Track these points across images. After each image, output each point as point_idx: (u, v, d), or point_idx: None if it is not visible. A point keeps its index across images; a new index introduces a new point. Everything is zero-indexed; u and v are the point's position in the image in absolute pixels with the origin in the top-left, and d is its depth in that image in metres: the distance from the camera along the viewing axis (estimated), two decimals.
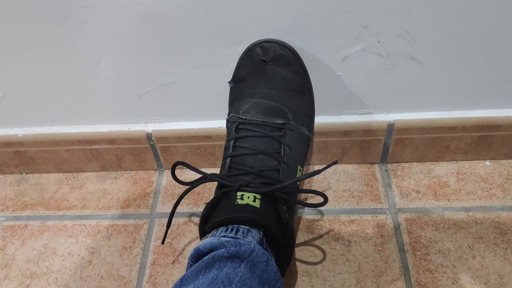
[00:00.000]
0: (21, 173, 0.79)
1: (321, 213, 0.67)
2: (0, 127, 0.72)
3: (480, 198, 0.66)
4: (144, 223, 0.69)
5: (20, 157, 0.75)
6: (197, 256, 0.49)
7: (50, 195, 0.75)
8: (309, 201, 0.63)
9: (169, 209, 0.69)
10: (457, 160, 0.71)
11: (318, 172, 0.54)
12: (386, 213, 0.66)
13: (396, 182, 0.70)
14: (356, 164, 0.73)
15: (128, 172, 0.76)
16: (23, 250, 0.67)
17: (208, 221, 0.54)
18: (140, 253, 0.65)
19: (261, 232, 0.51)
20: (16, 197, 0.75)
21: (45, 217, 0.71)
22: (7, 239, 0.69)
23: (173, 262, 0.64)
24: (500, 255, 0.60)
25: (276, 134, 0.56)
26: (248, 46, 0.58)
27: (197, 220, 0.68)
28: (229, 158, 0.56)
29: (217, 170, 0.60)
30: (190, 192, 0.59)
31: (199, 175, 0.57)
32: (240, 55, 0.59)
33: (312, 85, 0.61)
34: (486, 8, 0.54)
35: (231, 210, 0.51)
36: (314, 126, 0.65)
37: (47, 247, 0.67)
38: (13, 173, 0.79)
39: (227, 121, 0.60)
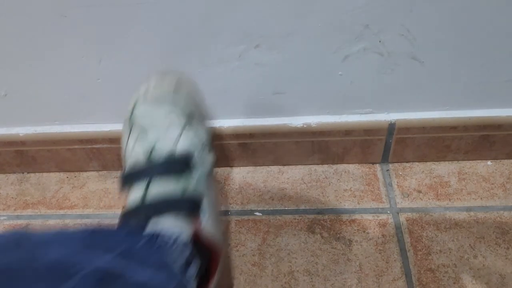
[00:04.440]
0: (23, 173, 0.79)
1: (322, 212, 0.67)
2: (1, 126, 0.73)
3: (481, 198, 0.66)
4: None
5: (22, 156, 0.75)
6: None
7: (52, 194, 0.75)
8: None
9: None
10: (458, 160, 0.71)
11: None
12: (387, 213, 0.66)
13: (397, 182, 0.70)
14: (357, 164, 0.73)
15: None
16: None
17: None
18: None
19: None
20: (17, 196, 0.75)
21: (47, 216, 0.71)
22: None
23: None
24: (501, 255, 0.60)
25: None
26: None
27: None
28: None
29: None
30: None
31: None
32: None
33: (314, 84, 0.61)
34: (488, 7, 0.54)
35: None
36: (316, 124, 0.66)
37: None
38: (15, 173, 0.79)
39: None
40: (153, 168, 0.48)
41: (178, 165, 0.49)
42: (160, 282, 0.38)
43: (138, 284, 0.35)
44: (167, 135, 0.50)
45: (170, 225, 0.46)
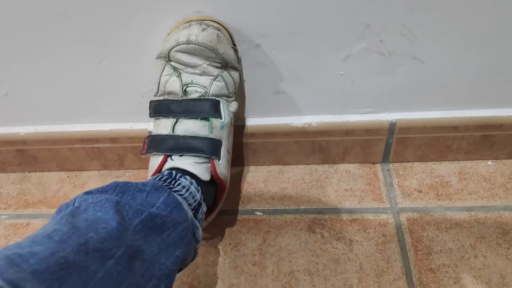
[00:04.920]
0: (24, 172, 0.79)
1: (323, 212, 0.67)
2: (2, 125, 0.73)
3: (482, 198, 0.66)
4: None
5: (23, 155, 0.75)
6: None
7: (52, 193, 0.75)
8: None
9: None
10: (459, 160, 0.71)
11: None
12: (388, 213, 0.66)
13: (398, 182, 0.70)
14: (358, 164, 0.73)
15: (130, 171, 0.77)
16: None
17: None
18: None
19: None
20: (18, 196, 0.75)
21: (47, 216, 0.71)
22: (9, 237, 0.69)
23: None
24: (502, 255, 0.60)
25: None
26: None
27: None
28: None
29: None
30: None
31: None
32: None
33: (315, 84, 0.61)
34: (488, 7, 0.54)
35: None
36: (316, 124, 0.66)
37: None
38: (16, 172, 0.79)
39: None
40: (185, 104, 0.55)
41: (207, 107, 0.56)
42: (176, 242, 0.47)
43: (154, 256, 0.44)
44: (201, 80, 0.56)
45: (190, 163, 0.55)
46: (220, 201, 0.61)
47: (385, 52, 0.59)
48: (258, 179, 0.72)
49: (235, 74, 0.58)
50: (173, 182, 0.52)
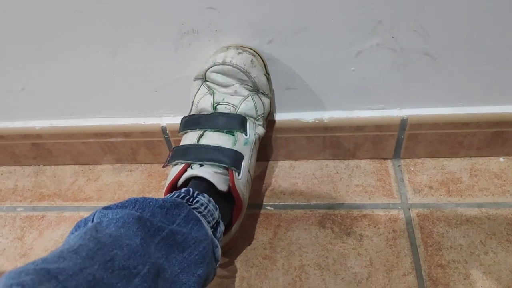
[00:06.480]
0: (39, 165, 0.80)
1: (333, 207, 0.67)
2: (18, 119, 0.74)
3: (493, 194, 0.66)
4: None
5: (38, 149, 0.77)
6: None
7: (67, 186, 0.76)
8: None
9: None
10: (470, 156, 0.71)
11: None
12: (399, 208, 0.66)
13: (408, 178, 0.70)
14: (369, 159, 0.73)
15: (143, 165, 0.78)
16: (40, 240, 0.69)
17: None
18: None
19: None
20: (33, 188, 0.77)
21: (62, 208, 0.73)
22: (25, 229, 0.71)
23: None
24: None
25: None
26: None
27: None
28: None
29: None
30: None
31: None
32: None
33: (326, 79, 0.62)
34: (502, 2, 0.54)
35: None
36: (328, 119, 0.66)
37: (64, 237, 0.69)
38: (31, 165, 0.81)
39: None
40: (213, 117, 0.58)
41: (234, 121, 0.58)
42: (197, 260, 0.46)
43: (175, 275, 0.43)
44: (232, 99, 0.59)
45: (209, 172, 0.54)
46: (235, 221, 0.59)
47: (397, 48, 0.59)
48: (269, 174, 0.73)
49: (266, 100, 0.61)
50: (191, 199, 0.51)
